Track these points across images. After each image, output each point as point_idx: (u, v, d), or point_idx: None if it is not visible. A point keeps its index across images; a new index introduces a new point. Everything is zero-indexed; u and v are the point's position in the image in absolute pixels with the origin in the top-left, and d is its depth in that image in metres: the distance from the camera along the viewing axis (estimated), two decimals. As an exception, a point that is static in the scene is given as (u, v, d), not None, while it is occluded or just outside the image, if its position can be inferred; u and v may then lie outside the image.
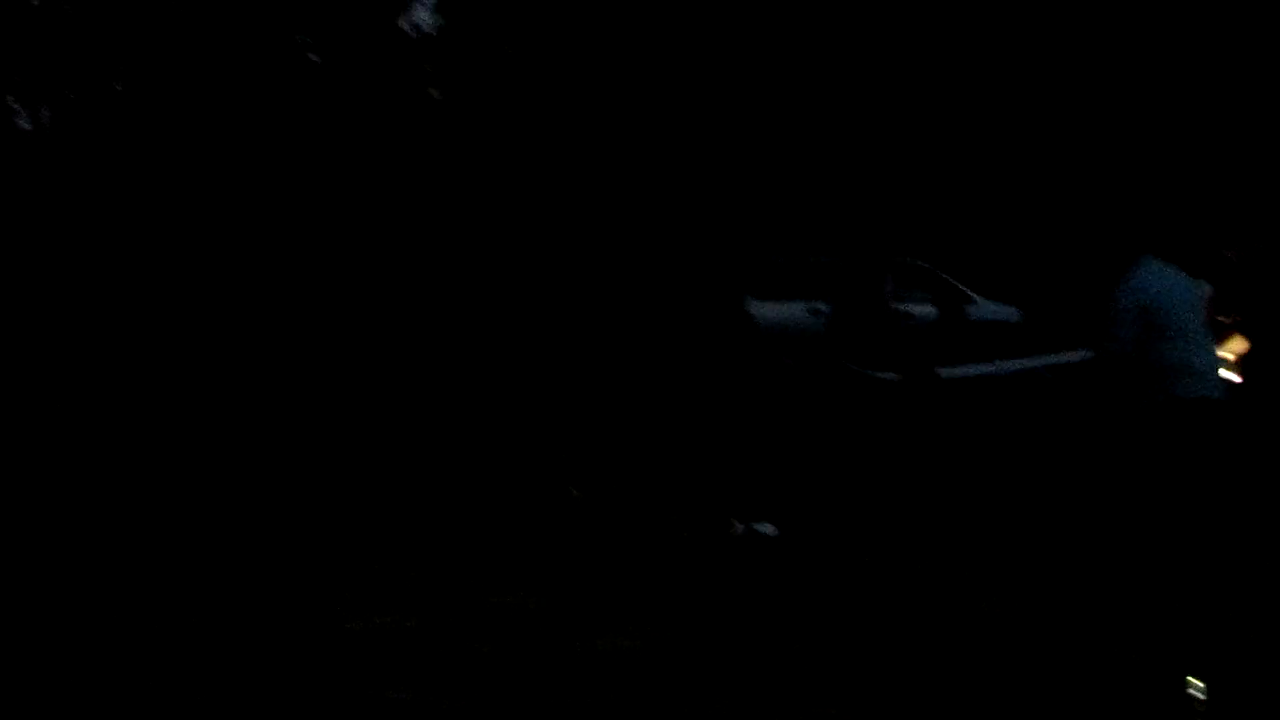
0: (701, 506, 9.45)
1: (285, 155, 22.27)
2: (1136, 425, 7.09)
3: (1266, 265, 8.88)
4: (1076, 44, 19.54)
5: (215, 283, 19.19)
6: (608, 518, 9.13)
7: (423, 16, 27.64)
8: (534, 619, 6.60)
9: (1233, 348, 8.71)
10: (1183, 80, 18.30)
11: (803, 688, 5.48)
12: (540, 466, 9.54)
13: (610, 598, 6.98)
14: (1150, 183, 16.74)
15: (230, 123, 22.03)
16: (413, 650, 6.07)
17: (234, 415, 12.72)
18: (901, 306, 16.82)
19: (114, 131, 21.52)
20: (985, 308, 17.26)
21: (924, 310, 16.96)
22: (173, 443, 11.60)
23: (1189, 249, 7.41)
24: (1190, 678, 4.94)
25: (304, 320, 17.43)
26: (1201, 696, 4.87)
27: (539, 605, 6.85)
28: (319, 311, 18.08)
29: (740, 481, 10.15)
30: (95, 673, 5.74)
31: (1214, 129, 17.69)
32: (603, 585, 7.28)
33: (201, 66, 22.07)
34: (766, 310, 17.73)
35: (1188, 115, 17.99)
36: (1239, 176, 16.71)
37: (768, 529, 8.73)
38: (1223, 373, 7.25)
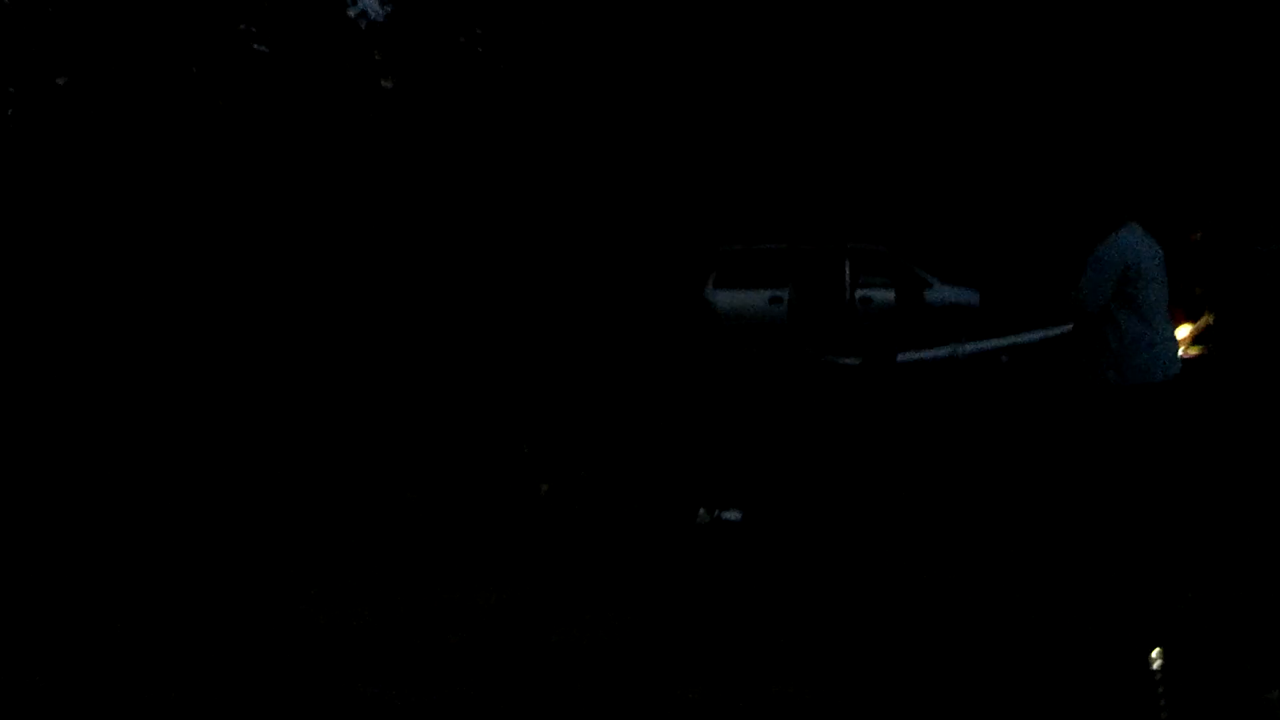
0: (667, 495, 9.43)
1: (233, 148, 22.05)
2: (1096, 406, 7.15)
3: (1233, 241, 8.96)
4: (1041, 29, 19.62)
5: (165, 280, 19.01)
6: (576, 510, 9.08)
7: (371, 4, 27.36)
8: (505, 612, 6.55)
9: (1191, 325, 8.80)
10: (1153, 60, 18.40)
11: (769, 672, 5.47)
12: (508, 461, 9.47)
13: (579, 589, 6.94)
14: (1135, 153, 16.82)
15: (175, 115, 21.78)
16: (382, 645, 6.01)
17: (198, 417, 12.60)
18: (861, 292, 16.91)
19: (58, 126, 21.24)
20: (943, 291, 17.36)
21: (883, 295, 17.03)
22: (138, 444, 11.48)
23: (1167, 221, 7.46)
24: (1152, 649, 4.95)
25: (262, 318, 17.29)
26: (1159, 664, 4.89)
27: (509, 598, 6.80)
28: (276, 309, 17.93)
29: (705, 469, 10.14)
30: (67, 669, 5.65)
31: (1193, 105, 17.80)
32: (572, 577, 7.23)
33: (144, 58, 21.80)
34: (726, 299, 17.78)
35: (1167, 92, 18.08)
36: (1215, 154, 16.81)
37: (733, 516, 8.70)
38: (1180, 350, 7.32)
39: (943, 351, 11.90)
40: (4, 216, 20.04)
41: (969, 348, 11.79)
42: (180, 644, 6.02)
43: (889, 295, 16.69)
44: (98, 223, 20.27)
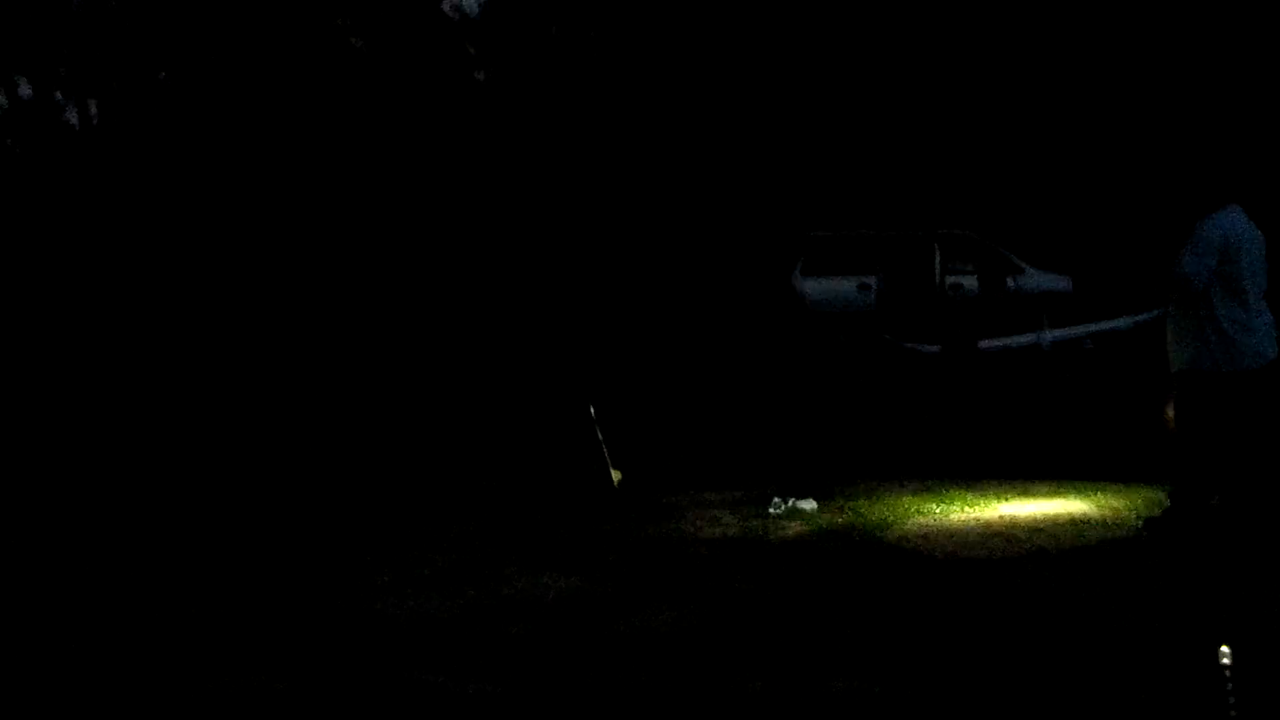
0: (742, 484, 9.40)
1: (330, 141, 22.35)
2: (1187, 391, 6.96)
3: None
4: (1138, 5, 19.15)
5: (266, 271, 19.34)
6: (650, 498, 9.07)
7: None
8: (567, 600, 6.55)
9: None
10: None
11: (835, 666, 5.39)
12: (575, 448, 9.46)
13: (649, 579, 6.92)
14: (1237, 131, 16.34)
15: (275, 109, 22.13)
16: (444, 633, 6.04)
17: (271, 402, 12.79)
18: (951, 278, 16.68)
19: (161, 120, 21.70)
20: (1036, 277, 17.07)
21: (973, 282, 16.80)
22: (209, 430, 11.71)
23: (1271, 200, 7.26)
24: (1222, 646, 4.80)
25: (345, 305, 17.51)
26: (1229, 662, 4.73)
27: (573, 586, 6.81)
28: (368, 294, 18.16)
29: (781, 457, 10.08)
30: (125, 659, 5.76)
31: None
32: (642, 566, 7.22)
33: (244, 53, 22.18)
34: (813, 286, 17.65)
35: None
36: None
37: (809, 505, 8.64)
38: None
39: (1026, 339, 11.72)
40: (109, 210, 20.51)
41: (1052, 335, 11.59)
42: (244, 635, 6.10)
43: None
44: (197, 212, 20.69)
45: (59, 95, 21.94)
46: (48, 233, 19.54)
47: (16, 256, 18.73)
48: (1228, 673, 4.33)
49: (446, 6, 24.63)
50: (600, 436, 8.97)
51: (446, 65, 24.48)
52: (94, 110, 22.19)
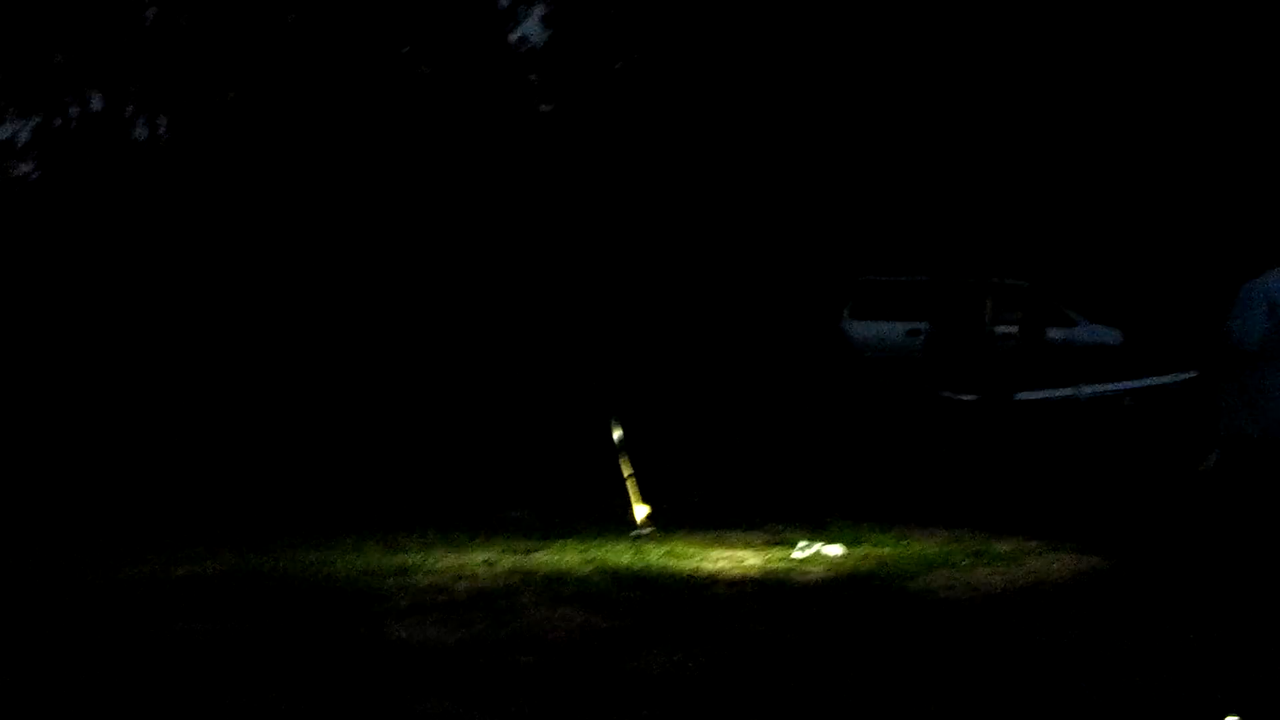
0: (772, 526, 9.39)
1: (397, 165, 22.61)
2: (1229, 456, 6.85)
3: None
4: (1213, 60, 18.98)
5: (335, 287, 19.61)
6: (675, 535, 9.07)
7: (532, 30, 27.75)
8: (581, 635, 6.55)
9: None
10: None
11: (840, 717, 5.35)
12: (605, 480, 9.47)
13: (660, 616, 6.91)
14: None
15: (343, 133, 22.42)
16: (455, 661, 6.05)
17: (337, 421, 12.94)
18: (1003, 329, 16.56)
19: (228, 139, 22.04)
20: (1086, 330, 16.92)
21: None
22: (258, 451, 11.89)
23: None
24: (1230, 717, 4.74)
25: (398, 329, 17.71)
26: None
27: (588, 621, 6.81)
28: (433, 318, 18.37)
29: (813, 500, 10.06)
30: (127, 684, 5.81)
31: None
32: (654, 602, 7.21)
33: (315, 77, 22.50)
34: (862, 330, 17.60)
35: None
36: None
37: (834, 551, 8.61)
38: None
39: (1063, 392, 11.61)
40: (176, 224, 20.85)
41: (1090, 390, 11.47)
42: (251, 656, 6.13)
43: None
44: (265, 229, 21.00)
45: (129, 110, 22.34)
46: (110, 242, 19.91)
47: (76, 264, 19.13)
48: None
49: (512, 38, 24.87)
50: (630, 471, 8.97)
51: (510, 94, 24.69)
52: (163, 127, 22.59)
